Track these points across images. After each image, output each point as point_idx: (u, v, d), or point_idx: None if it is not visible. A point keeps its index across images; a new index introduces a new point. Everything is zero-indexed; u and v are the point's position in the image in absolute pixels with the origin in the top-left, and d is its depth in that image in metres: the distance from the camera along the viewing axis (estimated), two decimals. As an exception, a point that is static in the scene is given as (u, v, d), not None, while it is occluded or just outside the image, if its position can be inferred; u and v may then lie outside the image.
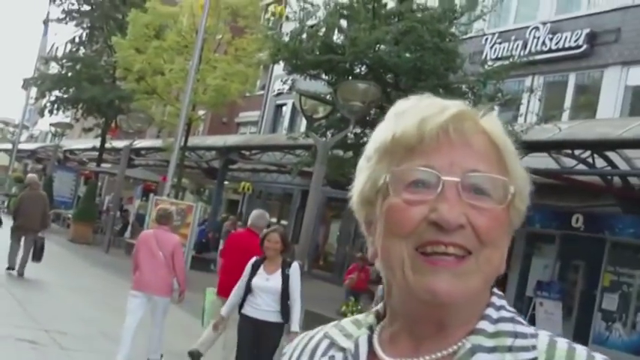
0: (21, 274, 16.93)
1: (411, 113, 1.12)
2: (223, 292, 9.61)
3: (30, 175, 26.44)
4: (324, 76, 17.97)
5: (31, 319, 11.83)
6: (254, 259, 8.35)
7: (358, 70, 17.58)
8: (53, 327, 11.44)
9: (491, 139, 1.10)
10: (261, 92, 39.74)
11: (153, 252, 9.80)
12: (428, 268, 1.04)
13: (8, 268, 16.88)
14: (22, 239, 17.16)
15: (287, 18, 23.48)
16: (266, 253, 8.26)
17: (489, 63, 18.83)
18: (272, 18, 34.76)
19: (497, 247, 1.06)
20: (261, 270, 8.23)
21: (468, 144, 1.08)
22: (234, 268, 9.39)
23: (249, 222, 10.56)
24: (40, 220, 17.38)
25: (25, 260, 17.09)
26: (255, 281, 8.16)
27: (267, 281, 8.17)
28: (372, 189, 1.14)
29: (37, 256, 17.35)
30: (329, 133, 17.68)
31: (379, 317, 1.19)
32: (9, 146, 58.89)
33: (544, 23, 22.78)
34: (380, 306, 1.20)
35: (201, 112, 31.27)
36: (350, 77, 17.01)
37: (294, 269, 8.33)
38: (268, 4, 35.98)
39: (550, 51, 22.27)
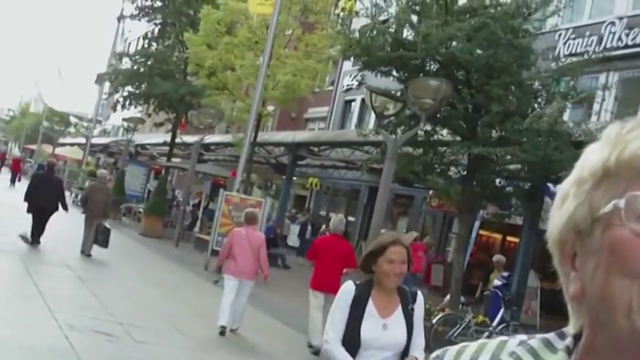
0: (88, 255, 19.05)
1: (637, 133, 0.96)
2: (317, 285, 12.43)
3: (101, 170, 27.55)
4: (394, 72, 17.89)
5: (106, 312, 12.06)
6: (349, 284, 5.09)
7: (429, 67, 17.45)
8: (127, 320, 11.64)
9: None
10: (330, 88, 39.80)
11: (244, 246, 12.58)
12: None
13: (83, 251, 19.19)
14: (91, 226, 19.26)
15: (357, 13, 23.42)
16: (381, 280, 4.97)
17: (563, 59, 18.52)
18: (342, 13, 34.76)
19: None
20: (371, 309, 4.97)
21: None
22: (325, 269, 12.31)
23: (331, 228, 13.33)
24: (103, 210, 19.56)
25: (91, 243, 19.14)
26: (365, 332, 4.92)
27: (386, 330, 4.96)
28: (587, 217, 0.98)
29: (104, 242, 19.30)
30: (399, 130, 17.58)
31: (569, 353, 1.05)
32: (82, 140, 60.13)
33: (620, 18, 22.31)
34: (569, 341, 1.06)
35: (270, 108, 31.44)
36: (421, 74, 16.88)
37: (420, 303, 5.10)
38: (339, 0, 35.94)
39: (626, 47, 21.80)
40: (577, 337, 1.03)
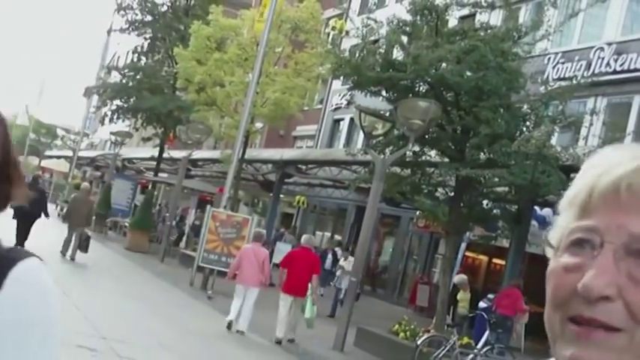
0: (72, 258, 21.59)
1: (598, 166, 0.97)
2: (288, 290, 15.19)
3: (84, 183, 28.55)
4: (384, 92, 17.93)
5: (91, 326, 11.99)
6: None
7: (419, 88, 17.49)
8: (112, 335, 11.58)
9: None
10: (319, 106, 39.89)
11: (251, 260, 15.44)
12: (573, 338, 0.91)
13: (62, 252, 21.74)
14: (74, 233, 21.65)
15: (347, 33, 23.50)
16: None
17: (551, 83, 18.61)
18: (332, 32, 34.88)
19: None
20: None
21: None
22: (295, 276, 15.15)
23: (302, 242, 16.57)
24: (85, 219, 22.01)
25: (75, 249, 21.64)
26: None
27: None
28: (554, 244, 1.01)
29: (84, 247, 21.80)
30: (387, 150, 17.60)
31: None
32: (69, 153, 59.97)
33: (609, 44, 22.49)
34: None
35: (259, 125, 31.45)
36: (410, 95, 16.92)
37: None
38: (329, 19, 36.11)
39: (614, 72, 21.96)
40: None
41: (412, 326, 16.49)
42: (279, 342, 15.05)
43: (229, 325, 15.15)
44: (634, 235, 0.90)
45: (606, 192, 0.93)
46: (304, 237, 17.21)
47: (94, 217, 34.58)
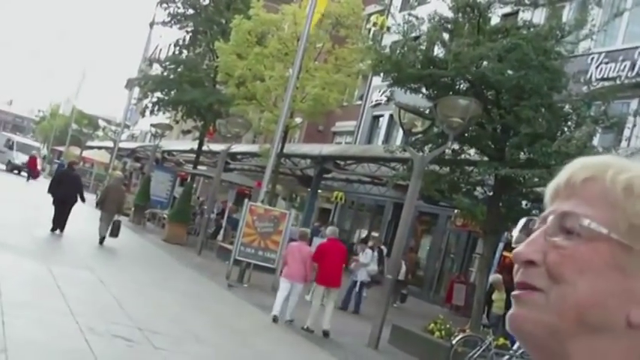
0: (101, 242, 22.08)
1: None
2: (322, 281, 16.03)
3: (117, 172, 29.79)
4: (424, 90, 17.83)
5: (127, 317, 12.08)
6: None
7: (459, 86, 17.37)
8: (147, 326, 11.65)
9: (598, 184, 1.09)
10: (359, 102, 39.79)
11: (296, 257, 16.11)
12: (513, 301, 1.08)
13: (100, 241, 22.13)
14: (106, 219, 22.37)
15: (388, 29, 23.43)
16: None
17: (594, 83, 18.39)
18: (373, 28, 34.77)
19: (572, 284, 1.03)
20: None
21: (573, 191, 1.09)
22: (327, 267, 15.94)
23: (328, 233, 17.53)
24: (117, 207, 22.52)
25: (106, 233, 22.15)
26: None
27: None
28: None
29: (115, 233, 22.34)
30: (426, 148, 17.52)
31: None
32: (110, 144, 60.47)
33: (654, 45, 22.14)
34: None
35: (298, 120, 31.48)
36: (451, 92, 16.81)
37: None
38: (370, 15, 35.99)
39: (659, 73, 21.63)
40: None
41: (447, 325, 16.41)
42: (309, 330, 15.56)
43: (275, 319, 15.63)
44: (562, 213, 1.07)
45: (553, 189, 1.13)
46: (330, 229, 17.99)
47: (132, 208, 35.00)
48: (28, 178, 52.30)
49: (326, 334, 15.64)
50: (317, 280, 16.22)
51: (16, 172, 56.02)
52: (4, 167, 57.84)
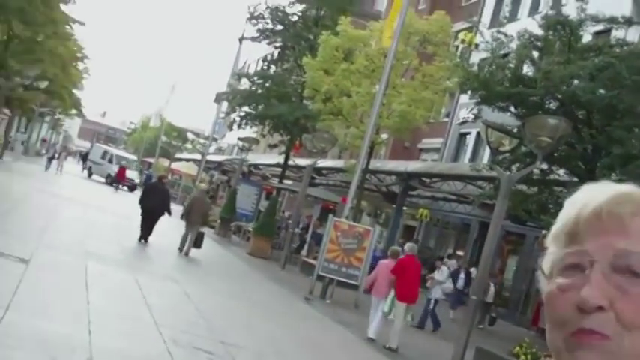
0: (187, 254, 22.40)
1: (577, 201, 1.10)
2: (402, 298, 15.73)
3: (202, 184, 30.61)
4: (512, 108, 17.58)
5: (210, 329, 12.18)
6: None
7: (549, 105, 17.07)
8: (229, 339, 11.72)
9: None
10: (446, 119, 39.49)
11: (386, 275, 16.06)
12: (576, 347, 1.02)
13: (179, 249, 22.68)
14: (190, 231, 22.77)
15: (477, 46, 23.19)
16: None
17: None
18: (461, 45, 34.50)
19: None
20: None
21: (622, 226, 1.03)
22: (407, 283, 15.80)
23: (406, 250, 16.94)
24: (201, 218, 23.07)
25: (190, 245, 22.51)
26: None
27: None
28: (546, 272, 1.11)
29: (199, 244, 22.86)
30: (514, 167, 17.25)
31: None
32: (198, 157, 61.38)
33: None
34: None
35: (384, 136, 31.40)
36: (540, 111, 16.53)
37: None
38: (458, 32, 35.73)
39: None
40: None
41: (534, 349, 16.03)
42: (391, 350, 15.40)
43: (370, 340, 15.78)
44: (618, 250, 1.01)
45: (590, 219, 1.05)
46: (409, 245, 17.82)
47: (218, 221, 35.42)
48: (116, 188, 53.03)
49: (392, 350, 15.48)
50: (398, 297, 15.95)
51: (115, 185, 54.52)
52: (102, 180, 57.60)
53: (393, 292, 15.96)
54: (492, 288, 23.28)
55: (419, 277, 16.65)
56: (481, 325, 22.80)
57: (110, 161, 58.96)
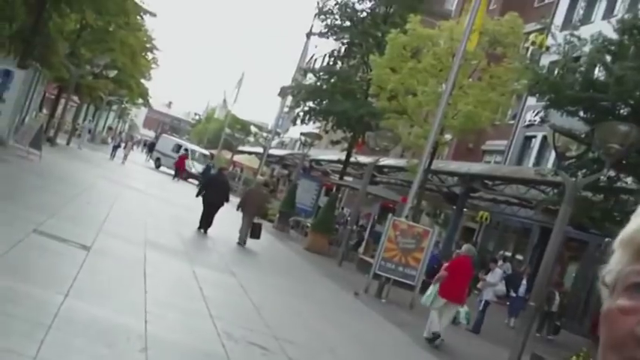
0: (244, 243, 22.81)
1: None
2: (444, 294, 15.67)
3: (259, 176, 31.29)
4: (581, 113, 17.19)
5: (264, 324, 12.14)
6: None
7: (620, 111, 16.65)
8: (283, 335, 11.66)
9: None
10: (511, 122, 38.97)
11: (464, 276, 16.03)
12: None
13: (238, 243, 22.84)
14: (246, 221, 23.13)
15: (548, 49, 22.76)
16: None
17: None
18: (531, 47, 33.95)
19: None
20: None
21: None
22: (453, 282, 15.66)
23: (463, 251, 16.92)
24: (257, 210, 23.51)
25: (246, 235, 22.92)
26: None
27: None
28: (609, 284, 1.02)
29: (256, 235, 23.20)
30: (580, 173, 16.88)
31: None
32: (260, 150, 61.58)
33: None
34: None
35: (448, 137, 31.09)
36: (610, 117, 16.13)
37: None
38: (529, 33, 35.17)
39: None
40: None
41: (591, 359, 15.69)
42: (429, 340, 15.58)
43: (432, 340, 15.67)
44: None
45: None
46: (466, 246, 17.77)
47: (277, 215, 35.49)
48: (174, 177, 51.88)
49: (436, 336, 15.51)
50: (440, 292, 15.91)
51: (191, 180, 52.06)
52: (171, 172, 54.65)
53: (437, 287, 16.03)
54: (557, 297, 22.82)
55: (468, 279, 16.53)
56: (538, 334, 22.30)
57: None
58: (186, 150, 57.73)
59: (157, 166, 59.03)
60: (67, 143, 48.73)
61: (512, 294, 23.78)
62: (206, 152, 63.93)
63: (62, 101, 50.76)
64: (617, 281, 0.98)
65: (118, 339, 8.47)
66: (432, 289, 16.23)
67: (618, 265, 0.99)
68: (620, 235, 1.02)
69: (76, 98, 59.41)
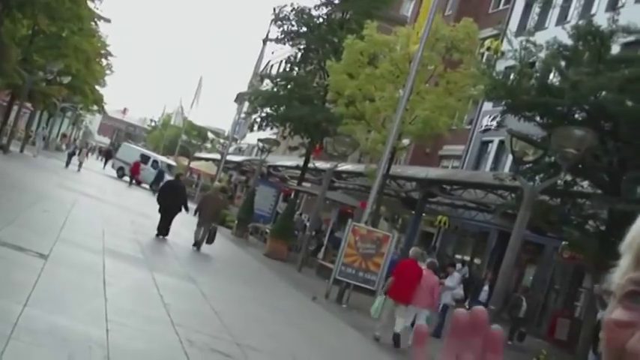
0: (198, 248, 23.11)
1: None
2: (392, 295, 16.28)
3: (216, 182, 31.42)
4: (538, 118, 17.39)
5: (226, 331, 12.08)
6: None
7: (575, 116, 16.88)
8: (245, 341, 11.61)
9: None
10: (468, 127, 39.26)
11: (422, 285, 16.18)
12: None
13: (194, 244, 23.21)
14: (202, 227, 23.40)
15: (503, 54, 22.99)
16: None
17: None
18: (487, 53, 34.28)
19: None
20: None
21: None
22: (401, 284, 16.18)
23: (410, 254, 17.72)
24: (213, 216, 23.68)
25: (203, 240, 23.24)
26: None
27: None
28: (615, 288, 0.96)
29: (211, 239, 23.44)
30: (537, 178, 17.06)
31: None
32: (217, 156, 61.25)
33: None
34: None
35: (405, 142, 31.22)
36: (566, 122, 16.34)
37: None
38: (484, 39, 35.50)
39: None
40: None
41: (551, 361, 15.88)
42: (376, 339, 16.17)
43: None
44: None
45: None
46: (413, 249, 18.44)
47: (235, 221, 35.35)
48: (130, 183, 52.42)
49: (396, 336, 16.07)
50: (389, 293, 16.52)
51: (145, 185, 52.95)
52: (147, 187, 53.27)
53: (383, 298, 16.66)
54: (524, 304, 22.77)
55: (415, 281, 16.59)
56: (510, 342, 21.92)
57: (154, 167, 55.22)
58: (156, 161, 56.67)
59: (120, 176, 56.88)
60: (21, 150, 48.06)
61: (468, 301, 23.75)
62: (173, 163, 62.12)
63: (15, 108, 49.98)
64: (618, 288, 0.95)
65: (80, 348, 8.36)
66: (379, 300, 16.87)
67: (621, 271, 0.97)
68: (627, 238, 0.99)
69: (29, 105, 58.57)
